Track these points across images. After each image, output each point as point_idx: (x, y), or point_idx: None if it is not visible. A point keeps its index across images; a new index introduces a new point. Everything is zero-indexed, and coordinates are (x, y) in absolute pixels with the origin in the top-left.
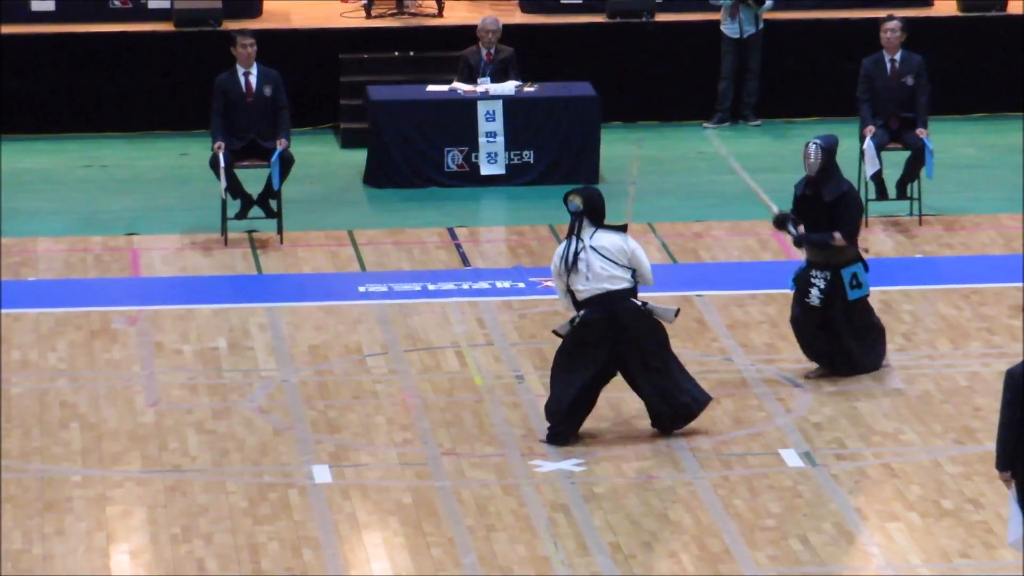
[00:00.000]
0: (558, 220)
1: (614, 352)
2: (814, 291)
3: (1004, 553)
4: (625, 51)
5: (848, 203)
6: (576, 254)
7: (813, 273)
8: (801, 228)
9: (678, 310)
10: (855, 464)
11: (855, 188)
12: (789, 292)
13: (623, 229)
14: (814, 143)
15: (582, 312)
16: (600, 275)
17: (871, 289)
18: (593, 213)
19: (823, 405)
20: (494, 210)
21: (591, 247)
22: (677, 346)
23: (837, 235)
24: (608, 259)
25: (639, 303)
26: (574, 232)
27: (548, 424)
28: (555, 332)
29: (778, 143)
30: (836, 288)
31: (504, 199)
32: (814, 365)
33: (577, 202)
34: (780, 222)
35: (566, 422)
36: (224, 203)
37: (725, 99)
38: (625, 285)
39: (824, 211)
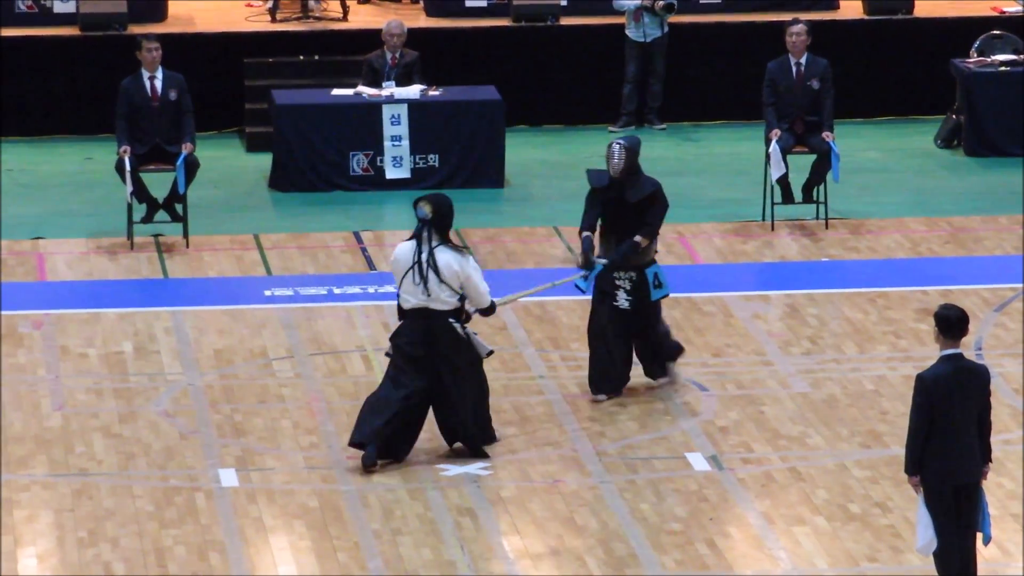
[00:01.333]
0: (464, 224)
1: (430, 368)
2: (620, 293)
3: (911, 557)
4: (530, 55)
5: (654, 203)
6: (419, 264)
7: (616, 275)
8: (598, 256)
9: (491, 352)
10: (761, 468)
11: (662, 188)
12: (694, 295)
13: (464, 249)
14: (618, 143)
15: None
16: (429, 293)
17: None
18: (440, 223)
19: (729, 409)
20: (399, 214)
21: (428, 263)
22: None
23: (638, 238)
24: (442, 281)
25: (459, 327)
26: (420, 239)
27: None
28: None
29: (682, 147)
30: (640, 289)
31: (409, 203)
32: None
33: (426, 210)
34: (587, 264)
35: (378, 436)
36: (130, 207)
37: (629, 103)
38: (448, 307)
39: (630, 212)
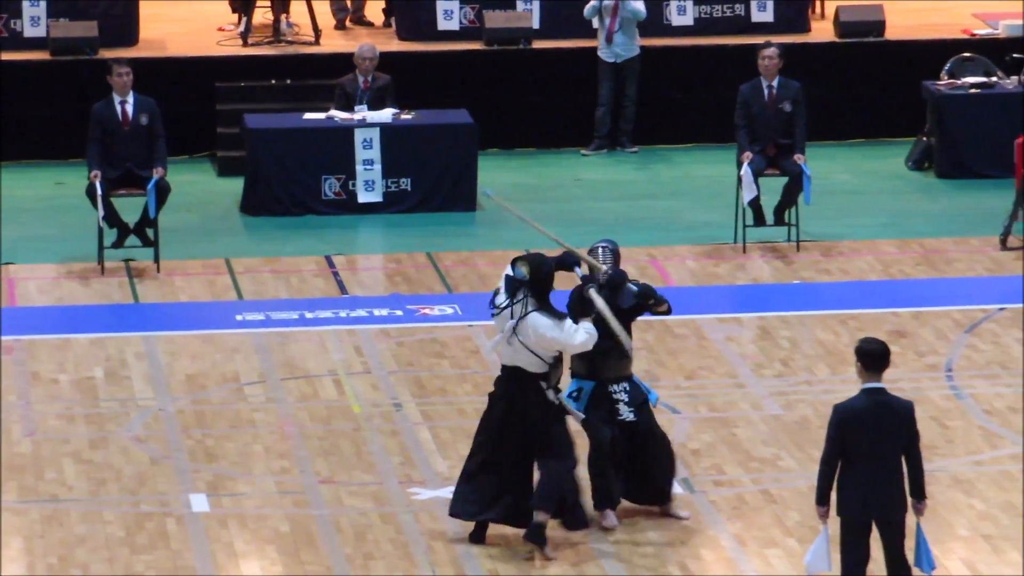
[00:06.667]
0: (435, 247)
1: (505, 429)
2: (622, 407)
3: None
4: (502, 78)
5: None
6: (517, 322)
7: (612, 389)
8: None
9: (584, 418)
10: (734, 490)
11: (653, 289)
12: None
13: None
14: (603, 246)
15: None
16: (517, 357)
17: None
18: (538, 288)
19: (701, 431)
20: (371, 238)
21: (523, 324)
22: None
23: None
24: (527, 347)
25: (549, 394)
26: (514, 299)
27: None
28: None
29: (655, 170)
30: (638, 398)
31: (381, 227)
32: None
33: (524, 271)
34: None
35: (466, 496)
36: (101, 232)
37: (602, 126)
38: (538, 370)
39: (624, 316)
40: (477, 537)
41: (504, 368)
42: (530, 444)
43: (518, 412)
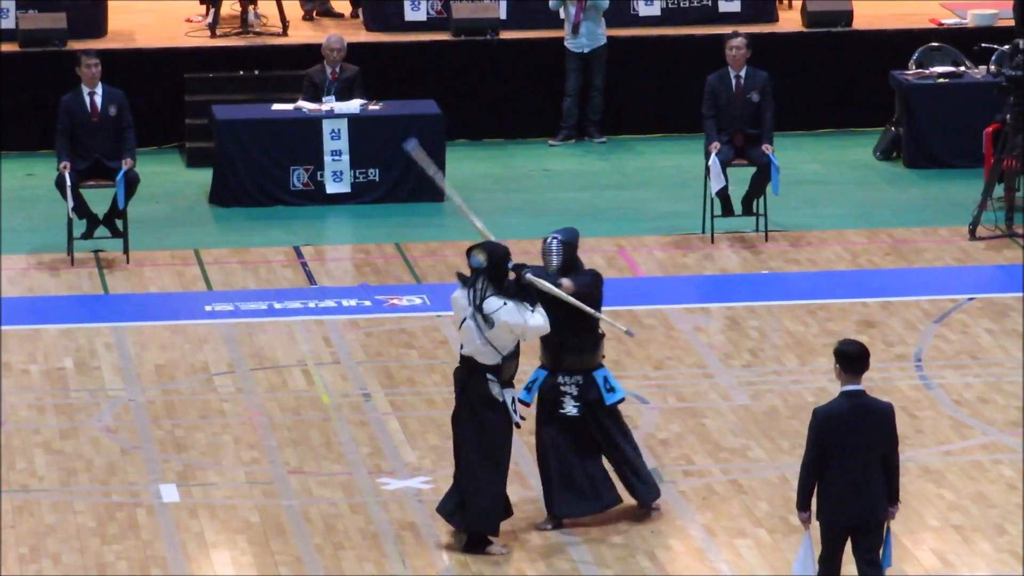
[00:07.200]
0: (404, 238)
1: (457, 417)
2: (567, 400)
3: (851, 568)
4: (470, 69)
5: (591, 292)
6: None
7: (560, 380)
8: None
9: (523, 421)
10: (703, 480)
11: (599, 275)
12: (635, 308)
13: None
14: (555, 238)
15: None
16: (472, 344)
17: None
18: (495, 273)
19: (670, 422)
20: (340, 228)
21: (482, 314)
22: (525, 363)
23: (565, 281)
24: (483, 334)
25: (494, 389)
26: (474, 289)
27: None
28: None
29: (623, 160)
30: (590, 394)
31: (349, 217)
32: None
33: (481, 258)
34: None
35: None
36: (70, 223)
37: (570, 116)
38: (490, 361)
39: (565, 306)
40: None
41: (461, 358)
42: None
43: (467, 403)
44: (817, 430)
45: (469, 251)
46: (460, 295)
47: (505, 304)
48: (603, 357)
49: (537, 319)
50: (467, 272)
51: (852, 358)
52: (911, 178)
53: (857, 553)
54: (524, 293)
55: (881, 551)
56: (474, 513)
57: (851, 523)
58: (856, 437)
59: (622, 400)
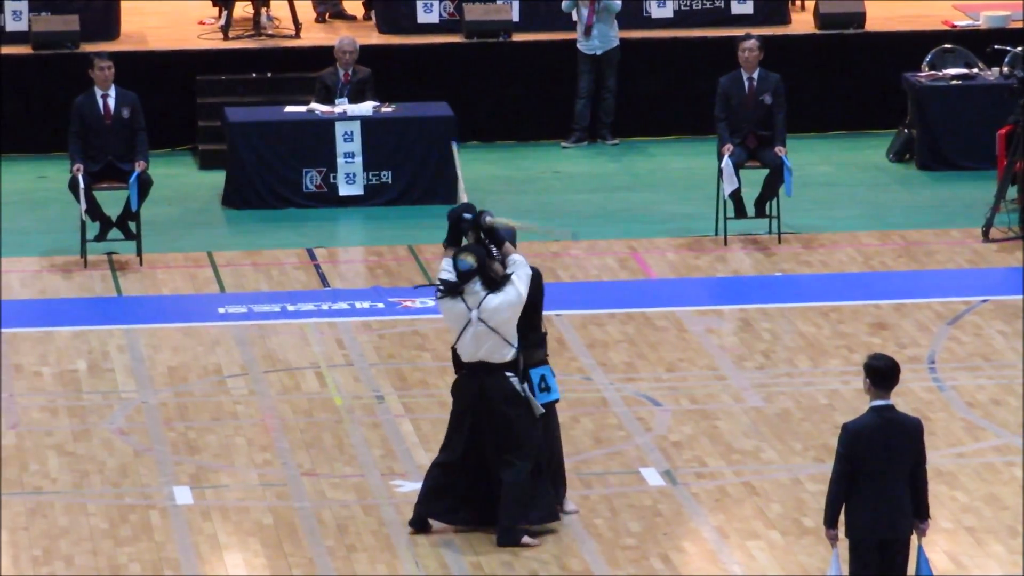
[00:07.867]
0: (416, 240)
1: (477, 426)
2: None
3: None
4: (482, 71)
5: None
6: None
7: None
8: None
9: (543, 412)
10: (715, 482)
11: (537, 271)
12: (647, 310)
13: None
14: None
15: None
16: (483, 348)
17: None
18: (485, 271)
19: (683, 424)
20: (352, 230)
21: (480, 318)
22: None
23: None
24: (496, 332)
25: (516, 384)
26: (467, 293)
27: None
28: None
29: (635, 162)
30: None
31: (362, 219)
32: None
33: (471, 260)
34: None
35: (434, 498)
36: (83, 225)
37: (582, 118)
38: (507, 357)
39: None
40: (420, 526)
41: (468, 365)
42: (498, 441)
43: (486, 407)
44: (847, 445)
45: (455, 257)
46: (452, 304)
47: (500, 293)
48: (546, 355)
49: (521, 286)
50: (447, 280)
51: (883, 373)
52: (924, 180)
53: (886, 570)
54: (490, 237)
55: (915, 571)
56: (519, 507)
57: (880, 539)
58: (885, 453)
59: (556, 401)
